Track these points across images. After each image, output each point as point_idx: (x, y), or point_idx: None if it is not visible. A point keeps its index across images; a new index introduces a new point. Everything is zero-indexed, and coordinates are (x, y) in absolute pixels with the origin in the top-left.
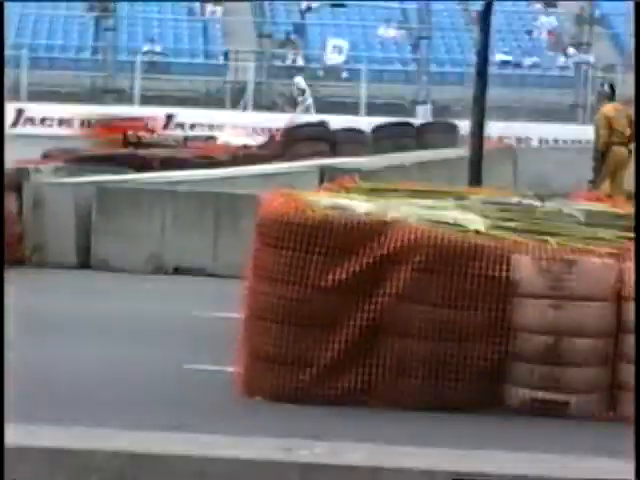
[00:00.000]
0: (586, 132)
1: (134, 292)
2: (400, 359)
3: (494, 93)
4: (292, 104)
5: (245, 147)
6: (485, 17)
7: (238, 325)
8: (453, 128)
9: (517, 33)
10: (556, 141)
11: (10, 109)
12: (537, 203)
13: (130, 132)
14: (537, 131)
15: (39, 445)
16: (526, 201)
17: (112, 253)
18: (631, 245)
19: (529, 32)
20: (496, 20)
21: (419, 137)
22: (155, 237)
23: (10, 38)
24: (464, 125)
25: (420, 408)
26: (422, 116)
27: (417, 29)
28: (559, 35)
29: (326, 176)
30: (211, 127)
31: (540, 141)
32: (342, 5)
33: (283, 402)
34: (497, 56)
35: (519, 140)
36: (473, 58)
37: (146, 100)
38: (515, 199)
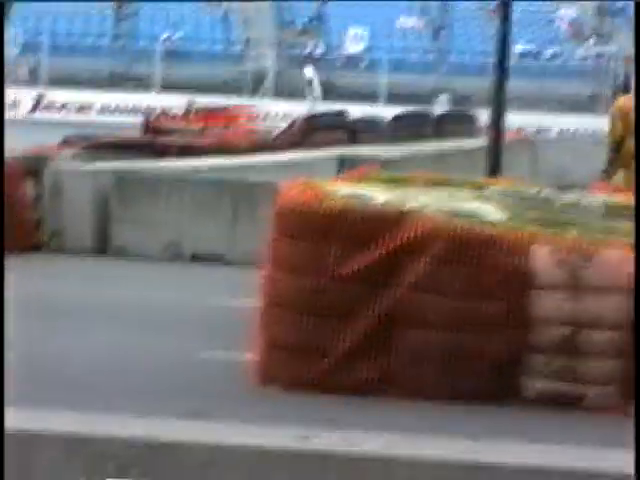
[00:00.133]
0: (606, 123)
1: (151, 279)
2: (417, 349)
3: (514, 84)
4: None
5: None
6: (505, 7)
7: (254, 313)
8: (472, 118)
9: (537, 23)
10: (575, 132)
11: (29, 95)
12: (555, 194)
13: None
14: (556, 122)
15: (55, 431)
16: (544, 192)
17: (130, 240)
18: None
19: (550, 23)
20: (516, 10)
21: (438, 127)
22: (173, 224)
23: (30, 24)
24: (483, 115)
25: (436, 398)
26: (440, 106)
27: (437, 19)
28: (579, 26)
29: (344, 165)
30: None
31: (559, 132)
32: None
33: (299, 391)
34: (517, 46)
35: (538, 131)
36: (493, 48)
37: (165, 87)
38: (533, 190)
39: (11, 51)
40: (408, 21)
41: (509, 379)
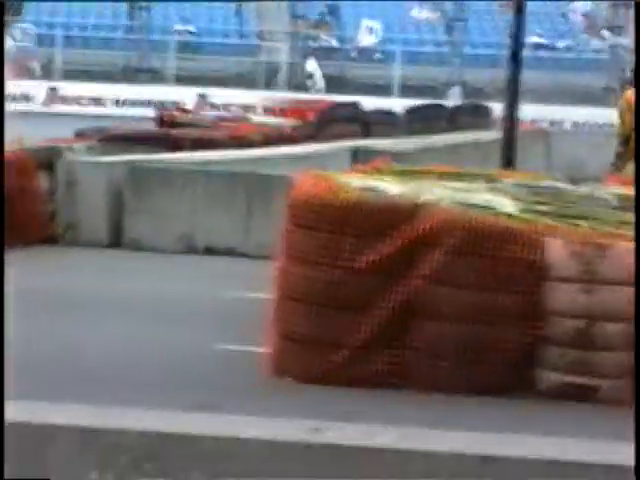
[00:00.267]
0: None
1: (165, 272)
2: (431, 342)
3: (528, 76)
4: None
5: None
6: None
7: (268, 306)
8: (486, 110)
9: (552, 16)
10: (589, 124)
11: (43, 88)
12: (569, 187)
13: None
14: (570, 114)
15: (68, 424)
16: (558, 184)
17: (144, 232)
18: None
19: (564, 15)
20: (530, 2)
21: (452, 119)
22: (186, 217)
23: (44, 17)
24: (497, 108)
25: (451, 391)
26: (452, 98)
27: (451, 11)
28: (594, 18)
29: (358, 158)
30: (244, 108)
31: (573, 124)
32: None
33: (313, 383)
34: (531, 39)
35: (552, 123)
36: (507, 40)
37: (179, 80)
38: (547, 182)
39: (25, 44)
40: (422, 13)
41: (523, 372)
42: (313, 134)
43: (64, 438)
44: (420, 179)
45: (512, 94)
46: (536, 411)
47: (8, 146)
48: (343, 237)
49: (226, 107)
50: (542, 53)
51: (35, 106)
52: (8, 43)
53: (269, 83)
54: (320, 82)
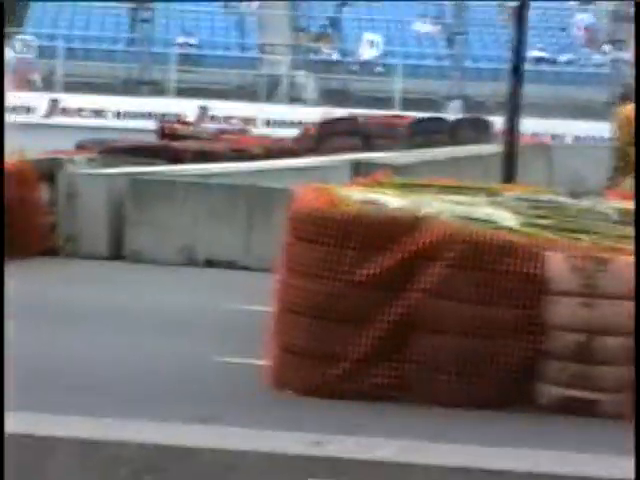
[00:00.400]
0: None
1: (166, 284)
2: (432, 355)
3: (529, 90)
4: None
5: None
6: (521, 13)
7: (269, 318)
8: (487, 124)
9: (553, 29)
10: (591, 138)
11: (44, 100)
12: (570, 201)
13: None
14: (572, 128)
15: (69, 436)
16: (559, 198)
17: (144, 244)
18: None
19: (565, 29)
20: (532, 16)
21: (453, 133)
22: (187, 229)
23: (46, 29)
24: (498, 121)
25: (451, 405)
26: (452, 112)
27: (452, 24)
28: (595, 32)
29: (359, 171)
30: (245, 120)
31: (575, 138)
32: None
33: (313, 396)
34: (532, 52)
35: (553, 137)
36: (508, 54)
37: (180, 92)
38: (548, 196)
39: (27, 56)
40: (423, 27)
41: (524, 385)
42: (314, 147)
43: (64, 450)
44: (421, 192)
45: (513, 108)
46: (537, 425)
47: (9, 157)
48: (344, 250)
49: (227, 120)
50: (543, 67)
51: (36, 118)
52: (9, 55)
53: (270, 96)
54: (314, 93)
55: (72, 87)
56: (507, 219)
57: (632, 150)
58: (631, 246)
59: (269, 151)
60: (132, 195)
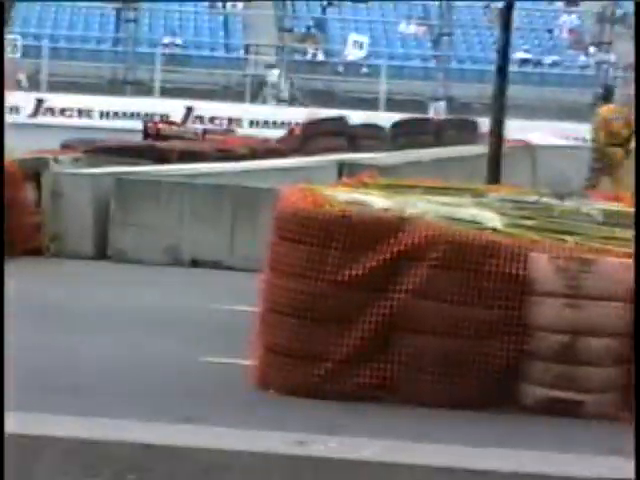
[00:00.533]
0: None
1: (150, 284)
2: (415, 356)
3: (514, 91)
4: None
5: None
6: (506, 14)
7: (254, 318)
8: (472, 125)
9: (538, 31)
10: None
11: (30, 99)
12: (555, 201)
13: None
14: (557, 129)
15: (54, 435)
16: (544, 199)
17: (129, 244)
18: None
19: (550, 30)
20: (517, 18)
21: (438, 134)
22: (172, 229)
23: (31, 28)
24: (484, 122)
25: (435, 405)
26: (436, 113)
27: (438, 26)
28: (580, 34)
29: (344, 171)
30: (230, 120)
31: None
32: (363, 0)
33: (297, 396)
34: (518, 54)
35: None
36: (493, 56)
37: (166, 92)
38: (533, 197)
39: (12, 55)
40: (408, 28)
41: (508, 386)
42: (299, 147)
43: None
44: (406, 193)
45: (498, 109)
46: (520, 425)
47: None
48: (328, 250)
49: (212, 120)
50: (529, 68)
51: (22, 117)
52: None
53: (255, 96)
54: (284, 92)
55: (57, 87)
56: (492, 220)
57: (610, 150)
58: (616, 247)
59: (254, 151)
60: (117, 195)
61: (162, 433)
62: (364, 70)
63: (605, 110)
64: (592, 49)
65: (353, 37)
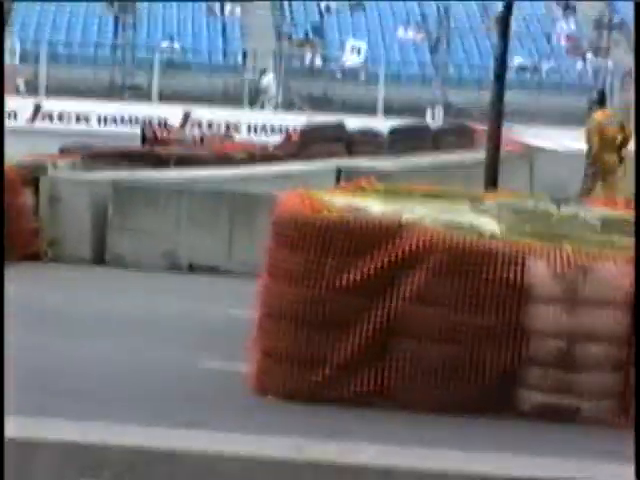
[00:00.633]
0: None
1: (148, 289)
2: (413, 361)
3: (511, 97)
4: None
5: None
6: (504, 21)
7: (252, 324)
8: (469, 131)
9: (536, 38)
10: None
11: (28, 105)
12: (553, 208)
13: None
14: (554, 136)
15: (52, 439)
16: (542, 205)
17: (127, 249)
18: None
19: (548, 37)
20: (515, 24)
21: (436, 140)
22: (170, 234)
23: (29, 34)
24: (480, 128)
25: (433, 410)
26: (432, 119)
27: (436, 32)
28: (578, 40)
29: (342, 177)
30: (228, 126)
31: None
32: (361, 6)
33: (296, 401)
34: (515, 60)
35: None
36: (491, 62)
37: (164, 98)
38: (531, 203)
39: (10, 60)
40: (407, 34)
41: (505, 391)
42: (297, 153)
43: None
44: (403, 199)
45: (496, 115)
46: (518, 431)
47: None
48: (326, 256)
49: (210, 125)
50: (526, 75)
51: (20, 123)
52: None
53: (253, 102)
54: (276, 98)
55: (56, 92)
56: (489, 226)
57: (605, 155)
58: (613, 253)
59: (252, 157)
60: (115, 200)
61: (161, 437)
62: (362, 76)
63: (600, 115)
64: (589, 55)
65: (351, 43)
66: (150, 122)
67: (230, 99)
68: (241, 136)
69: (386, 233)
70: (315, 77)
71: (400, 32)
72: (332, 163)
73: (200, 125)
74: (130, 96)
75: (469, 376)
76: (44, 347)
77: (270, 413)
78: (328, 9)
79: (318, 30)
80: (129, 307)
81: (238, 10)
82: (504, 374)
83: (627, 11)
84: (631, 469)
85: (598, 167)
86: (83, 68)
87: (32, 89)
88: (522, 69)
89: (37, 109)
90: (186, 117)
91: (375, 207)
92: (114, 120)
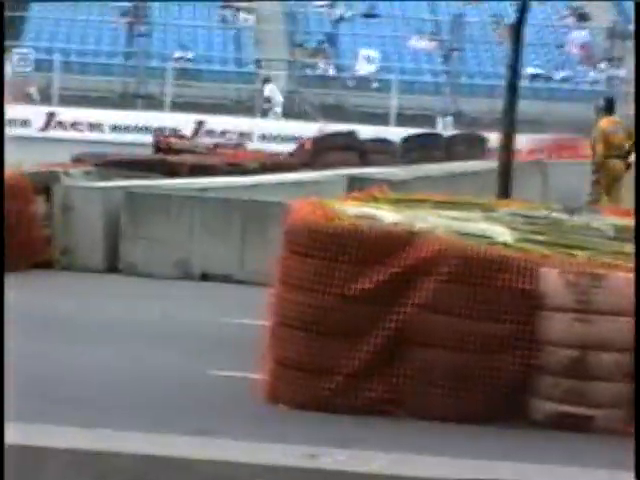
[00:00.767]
0: None
1: (161, 297)
2: (425, 370)
3: (524, 106)
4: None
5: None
6: (517, 30)
7: (264, 332)
8: (482, 140)
9: (549, 47)
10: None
11: (41, 113)
12: (565, 216)
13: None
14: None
15: (63, 447)
16: (554, 214)
17: (140, 258)
18: None
19: (561, 46)
20: (528, 33)
21: (448, 148)
22: (183, 243)
23: (43, 42)
24: (494, 138)
25: (444, 419)
26: (442, 128)
27: (449, 41)
28: (591, 49)
29: (354, 186)
30: (241, 134)
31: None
32: (374, 15)
33: (307, 410)
34: (528, 69)
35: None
36: (504, 71)
37: (177, 106)
38: (543, 212)
39: (24, 69)
40: (419, 43)
41: (517, 400)
42: (309, 162)
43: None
44: (416, 207)
45: (508, 124)
46: (529, 440)
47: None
48: (338, 264)
49: (223, 134)
50: (539, 84)
51: (33, 131)
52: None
53: (266, 111)
54: (279, 107)
55: (69, 100)
56: (502, 234)
57: (610, 163)
58: (626, 262)
59: (265, 165)
60: (128, 208)
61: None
62: (375, 85)
63: (605, 122)
64: (603, 65)
65: (364, 52)
66: (163, 131)
67: (243, 108)
68: (253, 145)
69: (398, 241)
70: (328, 86)
71: (413, 41)
72: (344, 172)
73: (213, 134)
74: (143, 105)
75: (481, 385)
76: (53, 355)
77: (281, 421)
78: (341, 18)
79: (331, 39)
80: (141, 315)
81: (251, 19)
82: (516, 383)
83: None
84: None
85: (601, 174)
86: (96, 77)
87: (45, 98)
88: (535, 78)
89: (50, 117)
90: (199, 126)
91: (387, 216)
92: (127, 129)
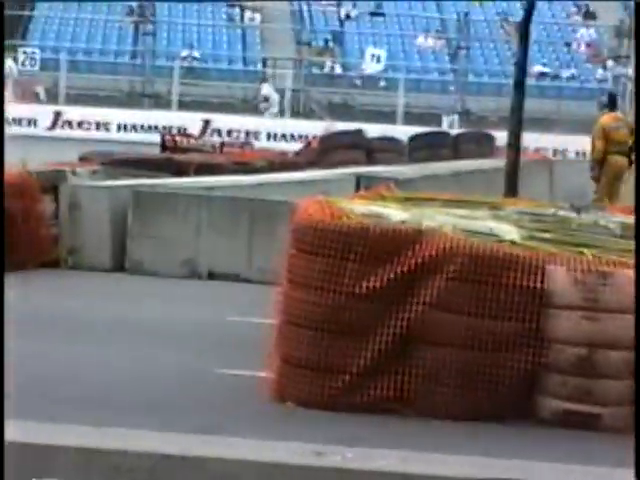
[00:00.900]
0: None
1: (168, 296)
2: (433, 368)
3: (531, 104)
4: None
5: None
6: (524, 28)
7: (271, 331)
8: (489, 139)
9: (556, 45)
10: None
11: (48, 112)
12: (573, 215)
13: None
14: (574, 143)
15: (71, 444)
16: (561, 212)
17: (147, 257)
18: None
19: (568, 44)
20: (535, 32)
21: (455, 147)
22: (190, 242)
23: (49, 42)
24: (501, 136)
25: (452, 417)
26: (448, 126)
27: (456, 39)
28: (598, 47)
29: (362, 184)
30: (248, 133)
31: (577, 153)
32: (381, 14)
33: (315, 408)
34: (535, 67)
35: (556, 152)
36: (511, 69)
37: (184, 105)
38: (551, 210)
39: (30, 68)
40: (427, 41)
41: (524, 398)
42: (316, 160)
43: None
44: (423, 206)
45: (516, 122)
46: (537, 438)
47: (12, 169)
48: (345, 262)
49: (230, 133)
50: (546, 82)
51: (40, 130)
52: (13, 67)
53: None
54: (275, 106)
55: (75, 99)
56: (509, 232)
57: (612, 159)
58: (633, 260)
59: (272, 164)
60: (135, 207)
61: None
62: (382, 83)
63: (606, 118)
64: (610, 63)
65: (371, 50)
66: (170, 130)
67: (249, 107)
68: (260, 144)
69: (406, 240)
70: (335, 84)
71: (420, 39)
72: (351, 170)
73: (220, 133)
74: (150, 104)
75: (488, 383)
76: (59, 354)
77: (289, 420)
78: (348, 17)
79: (338, 38)
80: (148, 314)
81: (258, 18)
82: (523, 381)
83: None
84: None
85: (602, 171)
86: (103, 76)
87: (52, 97)
88: (542, 76)
89: (57, 117)
90: (206, 125)
91: (395, 214)
92: (134, 128)
